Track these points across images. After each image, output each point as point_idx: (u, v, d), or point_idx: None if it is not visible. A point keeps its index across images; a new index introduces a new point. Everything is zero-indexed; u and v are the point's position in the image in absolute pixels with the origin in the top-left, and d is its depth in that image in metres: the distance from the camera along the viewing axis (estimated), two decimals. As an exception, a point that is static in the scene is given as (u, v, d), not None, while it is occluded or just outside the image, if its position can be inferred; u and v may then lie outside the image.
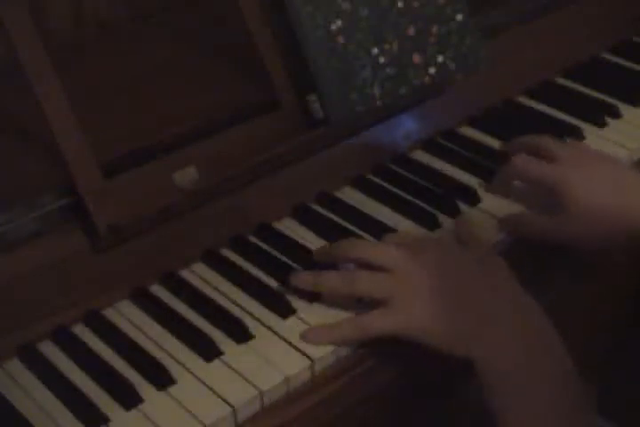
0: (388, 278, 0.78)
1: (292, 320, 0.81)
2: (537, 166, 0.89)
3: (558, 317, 0.82)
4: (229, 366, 0.77)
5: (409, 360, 0.80)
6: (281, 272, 0.86)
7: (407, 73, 0.94)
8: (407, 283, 0.78)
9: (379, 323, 0.77)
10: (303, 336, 0.79)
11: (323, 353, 0.78)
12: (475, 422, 0.77)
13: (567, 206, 0.86)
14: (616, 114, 1.11)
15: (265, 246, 0.91)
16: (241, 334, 0.80)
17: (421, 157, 1.04)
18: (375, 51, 0.92)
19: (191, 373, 0.77)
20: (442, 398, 0.94)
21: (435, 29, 0.95)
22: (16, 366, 0.79)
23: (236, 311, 0.83)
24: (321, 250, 0.86)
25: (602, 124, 1.09)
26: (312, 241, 0.91)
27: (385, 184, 0.99)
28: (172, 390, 0.75)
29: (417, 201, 0.96)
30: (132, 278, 0.85)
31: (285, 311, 0.82)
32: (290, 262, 0.88)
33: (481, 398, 0.73)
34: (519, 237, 0.91)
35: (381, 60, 0.92)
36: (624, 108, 1.12)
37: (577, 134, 1.06)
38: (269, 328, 0.81)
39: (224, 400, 0.74)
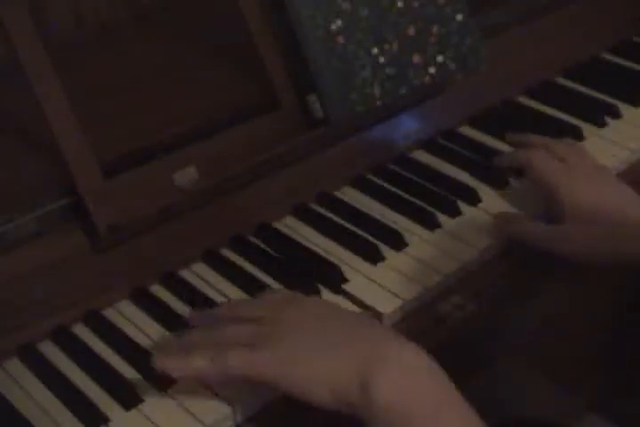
0: (255, 325, 0.70)
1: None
2: (553, 165, 0.90)
3: (558, 317, 0.82)
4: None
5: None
6: (281, 272, 0.86)
7: (407, 73, 0.94)
8: (276, 326, 0.69)
9: (240, 363, 0.67)
10: (154, 364, 0.70)
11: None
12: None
13: (565, 213, 0.86)
14: (616, 114, 1.11)
15: (265, 246, 0.91)
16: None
17: (421, 156, 1.04)
18: (375, 51, 0.92)
19: (191, 373, 0.77)
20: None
21: (435, 29, 0.95)
22: (16, 366, 0.79)
23: (236, 311, 0.83)
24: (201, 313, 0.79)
25: (602, 124, 1.09)
26: (312, 241, 0.91)
27: (385, 184, 0.99)
28: (172, 390, 0.75)
29: (417, 201, 0.96)
30: (132, 278, 0.85)
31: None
32: (290, 263, 0.88)
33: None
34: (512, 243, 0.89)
35: (381, 60, 0.92)
36: (624, 108, 1.12)
37: (577, 134, 1.06)
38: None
39: (224, 400, 0.74)
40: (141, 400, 0.75)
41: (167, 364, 0.70)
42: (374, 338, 0.68)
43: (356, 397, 0.64)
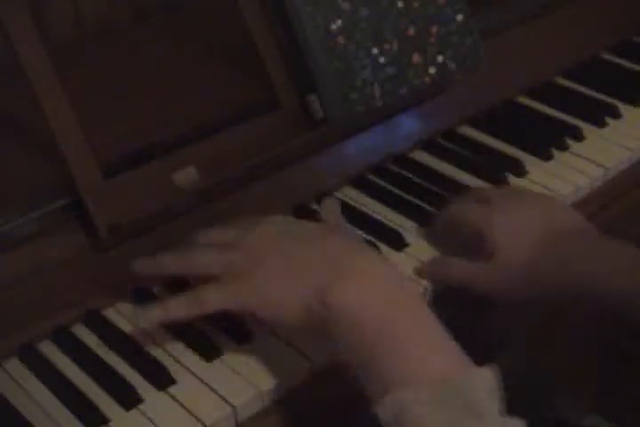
0: (225, 249, 0.73)
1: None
2: (468, 207, 0.85)
3: (559, 317, 0.82)
4: (229, 367, 0.77)
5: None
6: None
7: (407, 73, 0.94)
8: (245, 253, 0.72)
9: (214, 294, 0.71)
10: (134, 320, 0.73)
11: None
12: None
13: (492, 253, 0.81)
14: (616, 114, 1.11)
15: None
16: (242, 334, 0.80)
17: (421, 157, 1.04)
18: (375, 51, 0.92)
19: (191, 373, 0.77)
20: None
21: (435, 29, 0.95)
22: (16, 366, 0.79)
23: (237, 311, 0.83)
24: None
25: (602, 124, 1.09)
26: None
27: (385, 184, 0.99)
28: (172, 390, 0.75)
29: (417, 201, 0.96)
30: (131, 278, 0.85)
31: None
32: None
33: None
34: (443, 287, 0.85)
35: (381, 60, 0.92)
36: (624, 108, 1.12)
37: (577, 134, 1.06)
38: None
39: (224, 400, 0.74)
40: (141, 400, 0.75)
41: (148, 316, 0.74)
42: (333, 250, 0.71)
43: (318, 307, 0.67)
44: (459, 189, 0.98)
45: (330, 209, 0.89)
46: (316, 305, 0.68)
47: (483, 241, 0.82)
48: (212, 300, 0.72)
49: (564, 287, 0.79)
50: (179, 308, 0.73)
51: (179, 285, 0.86)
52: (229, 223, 0.80)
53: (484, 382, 0.61)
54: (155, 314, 0.74)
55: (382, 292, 0.68)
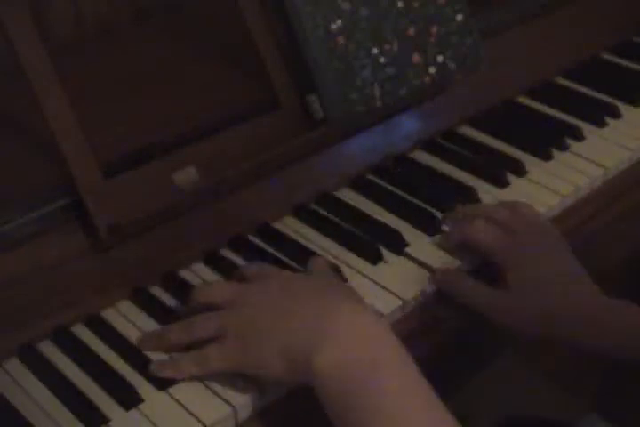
0: (217, 315, 0.75)
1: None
2: (490, 232, 0.86)
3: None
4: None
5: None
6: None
7: (407, 73, 0.94)
8: (240, 315, 0.75)
9: (216, 357, 0.74)
10: (150, 374, 0.76)
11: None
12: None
13: (509, 284, 0.83)
14: (616, 114, 1.11)
15: (265, 246, 0.91)
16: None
17: (421, 157, 1.04)
18: (375, 51, 0.92)
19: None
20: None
21: (435, 29, 0.95)
22: (16, 366, 0.79)
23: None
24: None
25: (602, 124, 1.09)
26: (312, 241, 0.91)
27: (385, 184, 0.99)
28: (172, 390, 0.75)
29: (417, 201, 0.96)
30: (132, 279, 0.85)
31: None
32: (290, 262, 0.88)
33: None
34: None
35: (381, 60, 0.92)
36: (624, 108, 1.12)
37: (577, 134, 1.06)
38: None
39: (224, 400, 0.74)
40: (141, 400, 0.75)
41: (162, 373, 0.76)
42: (322, 310, 0.72)
43: (305, 370, 0.68)
44: (458, 188, 0.98)
45: (317, 266, 0.86)
46: (300, 363, 0.69)
47: (500, 269, 0.84)
48: (215, 363, 0.74)
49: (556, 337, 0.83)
50: (190, 369, 0.75)
51: (178, 285, 0.86)
52: (237, 273, 0.83)
53: None
54: (167, 373, 0.76)
55: (363, 356, 0.69)
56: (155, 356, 0.78)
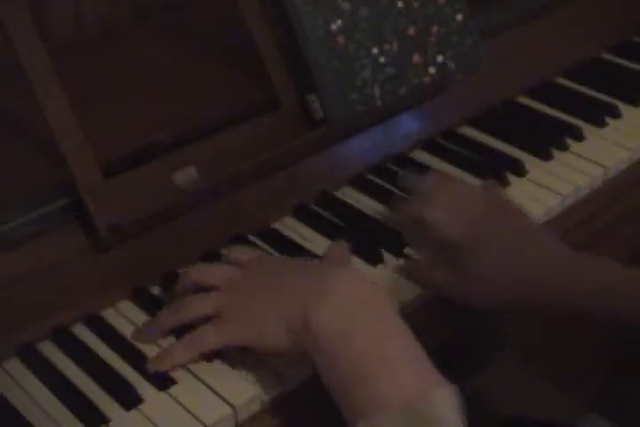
0: (215, 294, 0.77)
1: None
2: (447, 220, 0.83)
3: (558, 318, 0.82)
4: (230, 367, 0.77)
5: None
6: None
7: (407, 73, 0.94)
8: (234, 294, 0.76)
9: (211, 335, 0.75)
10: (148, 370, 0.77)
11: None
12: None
13: (465, 265, 0.81)
14: (616, 114, 1.11)
15: (265, 246, 0.91)
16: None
17: (421, 156, 1.04)
18: (375, 51, 0.92)
19: (191, 373, 0.77)
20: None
21: (435, 29, 0.95)
22: (16, 366, 0.79)
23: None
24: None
25: (602, 124, 1.09)
26: (312, 241, 0.91)
27: (385, 184, 0.99)
28: (172, 390, 0.75)
29: (417, 201, 0.96)
30: (132, 278, 0.85)
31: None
32: (290, 262, 0.88)
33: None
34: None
35: (381, 60, 0.92)
36: (624, 108, 1.12)
37: (577, 134, 1.06)
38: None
39: (224, 400, 0.74)
40: (141, 400, 0.75)
41: (160, 367, 0.76)
42: (317, 275, 0.74)
43: (302, 332, 0.70)
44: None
45: (335, 252, 0.87)
46: (297, 327, 0.70)
47: (456, 251, 0.82)
48: (211, 342, 0.75)
49: (536, 303, 0.81)
50: (183, 354, 0.76)
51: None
52: (227, 254, 0.83)
53: (445, 400, 0.65)
54: (164, 365, 0.76)
55: (355, 315, 0.70)
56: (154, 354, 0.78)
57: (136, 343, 0.80)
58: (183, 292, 0.80)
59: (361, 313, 0.70)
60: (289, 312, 0.71)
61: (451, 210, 0.84)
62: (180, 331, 0.78)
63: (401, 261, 0.89)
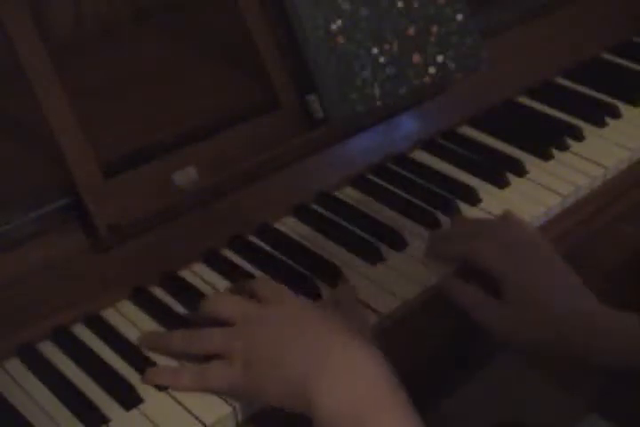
0: (227, 335, 0.75)
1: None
2: (492, 253, 0.84)
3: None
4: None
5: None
6: (281, 272, 0.86)
7: (407, 73, 0.94)
8: (244, 338, 0.74)
9: (217, 381, 0.74)
10: (144, 379, 0.76)
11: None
12: None
13: (510, 298, 0.82)
14: (616, 114, 1.11)
15: (265, 246, 0.91)
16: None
17: (421, 157, 1.04)
18: (375, 51, 0.92)
19: (191, 373, 0.77)
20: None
21: (435, 29, 0.95)
22: (16, 366, 0.79)
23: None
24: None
25: (602, 124, 1.09)
26: (312, 241, 0.91)
27: (385, 184, 0.99)
28: (172, 389, 0.75)
29: (417, 201, 0.96)
30: (132, 278, 0.85)
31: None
32: (290, 262, 0.88)
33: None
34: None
35: (381, 60, 0.92)
36: (624, 108, 1.12)
37: (577, 134, 1.06)
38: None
39: (224, 400, 0.74)
40: (141, 400, 0.75)
41: (158, 379, 0.76)
42: (324, 341, 0.72)
43: (304, 404, 0.68)
44: (458, 188, 0.98)
45: (345, 294, 0.86)
46: (299, 397, 0.69)
47: (499, 282, 0.83)
48: (215, 386, 0.74)
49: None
50: (186, 386, 0.75)
51: (178, 285, 0.86)
52: (250, 284, 0.81)
53: None
54: (165, 383, 0.76)
55: (359, 393, 0.69)
56: (155, 357, 0.78)
57: (136, 344, 0.80)
58: (203, 316, 0.79)
59: (361, 387, 0.69)
60: (290, 376, 0.70)
61: (500, 248, 0.84)
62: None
63: (401, 260, 0.89)
